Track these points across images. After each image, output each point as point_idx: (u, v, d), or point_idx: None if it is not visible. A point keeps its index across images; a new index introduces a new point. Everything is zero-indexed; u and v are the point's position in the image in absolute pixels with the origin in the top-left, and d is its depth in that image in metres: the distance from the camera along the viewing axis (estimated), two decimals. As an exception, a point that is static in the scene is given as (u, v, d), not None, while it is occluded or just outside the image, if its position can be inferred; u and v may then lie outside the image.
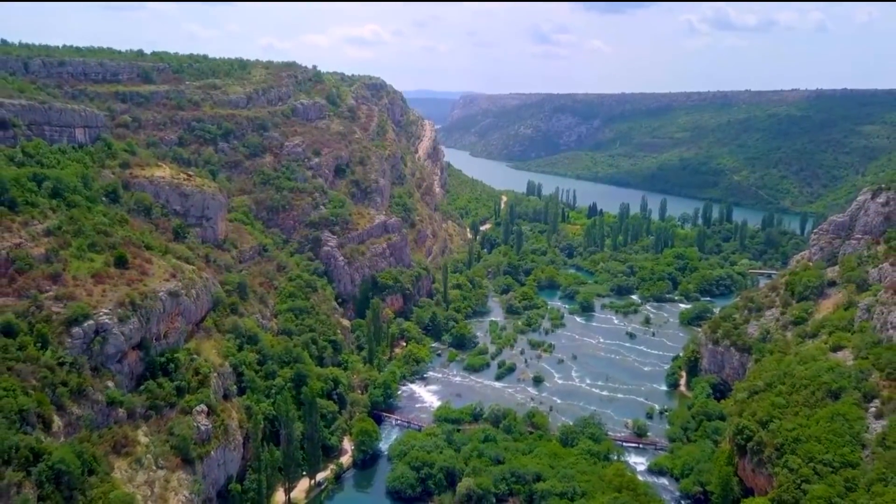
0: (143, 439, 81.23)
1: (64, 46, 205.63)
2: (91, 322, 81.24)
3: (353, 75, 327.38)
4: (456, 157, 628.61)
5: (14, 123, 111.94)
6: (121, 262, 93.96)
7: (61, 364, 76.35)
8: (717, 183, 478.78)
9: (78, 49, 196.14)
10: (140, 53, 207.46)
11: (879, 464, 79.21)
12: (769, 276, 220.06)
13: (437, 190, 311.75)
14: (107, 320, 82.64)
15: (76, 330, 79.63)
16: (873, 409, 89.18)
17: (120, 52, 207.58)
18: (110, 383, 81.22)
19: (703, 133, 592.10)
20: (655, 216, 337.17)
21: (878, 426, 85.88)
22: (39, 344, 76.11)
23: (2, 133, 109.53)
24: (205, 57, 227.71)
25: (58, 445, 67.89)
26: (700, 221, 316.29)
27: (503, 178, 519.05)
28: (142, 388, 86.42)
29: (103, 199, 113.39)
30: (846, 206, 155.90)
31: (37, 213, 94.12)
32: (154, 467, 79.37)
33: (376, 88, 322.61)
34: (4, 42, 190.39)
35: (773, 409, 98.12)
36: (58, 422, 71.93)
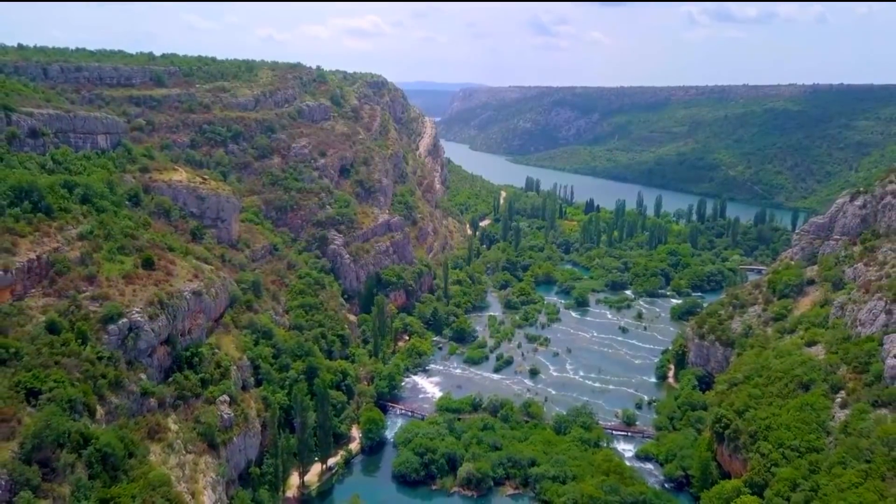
0: (173, 426, 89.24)
1: (77, 49, 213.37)
2: (125, 320, 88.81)
3: (354, 73, 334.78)
4: (456, 151, 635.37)
5: (43, 132, 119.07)
6: (148, 264, 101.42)
7: (100, 358, 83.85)
8: (713, 178, 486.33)
9: (92, 53, 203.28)
10: (151, 57, 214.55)
11: (840, 449, 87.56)
12: (759, 271, 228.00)
13: (438, 186, 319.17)
14: (139, 318, 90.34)
15: (112, 327, 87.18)
16: (839, 400, 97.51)
17: (132, 55, 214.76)
18: (143, 375, 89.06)
19: (701, 127, 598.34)
20: (651, 212, 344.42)
21: (841, 415, 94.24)
22: (80, 340, 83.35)
23: (32, 141, 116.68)
24: (213, 59, 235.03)
25: (102, 431, 75.81)
26: (694, 217, 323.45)
27: (502, 173, 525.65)
28: (170, 379, 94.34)
29: (126, 202, 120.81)
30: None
31: (70, 219, 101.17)
32: (184, 451, 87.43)
33: (378, 86, 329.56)
34: (21, 46, 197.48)
35: (750, 399, 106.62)
36: (100, 410, 79.75)
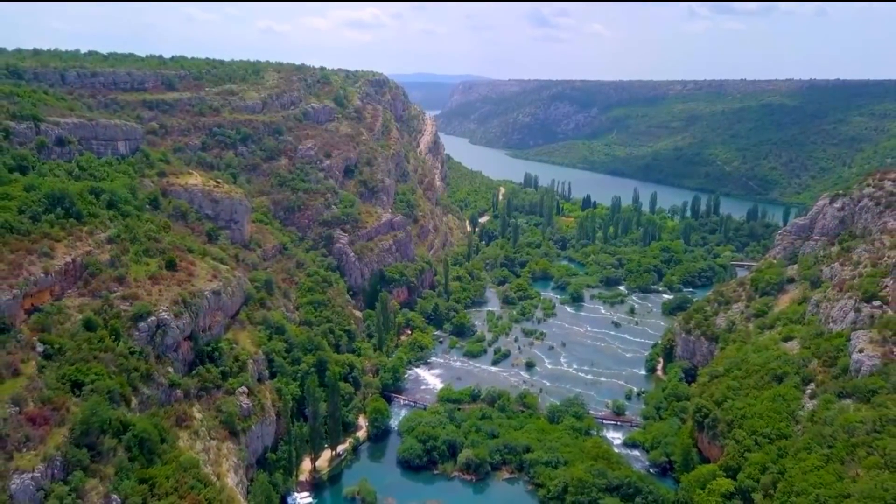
0: (198, 415, 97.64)
1: (89, 52, 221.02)
2: (153, 318, 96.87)
3: (356, 71, 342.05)
4: (455, 145, 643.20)
5: (69, 140, 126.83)
6: (171, 265, 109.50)
7: (132, 353, 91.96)
8: (708, 173, 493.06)
9: (104, 57, 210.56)
10: (161, 60, 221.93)
11: (807, 436, 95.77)
12: (749, 267, 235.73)
13: (438, 183, 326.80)
14: (165, 316, 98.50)
15: (142, 325, 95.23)
16: (809, 391, 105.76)
17: (142, 58, 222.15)
18: (170, 369, 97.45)
19: (697, 122, 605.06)
20: (647, 208, 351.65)
21: (810, 405, 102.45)
22: (113, 336, 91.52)
23: (59, 149, 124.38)
24: (221, 62, 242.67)
25: (138, 418, 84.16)
26: (688, 214, 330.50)
27: (502, 168, 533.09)
28: (193, 372, 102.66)
29: (147, 206, 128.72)
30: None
31: (98, 224, 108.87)
32: (208, 438, 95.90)
33: (379, 85, 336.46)
34: (36, 51, 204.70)
35: (728, 390, 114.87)
36: (134, 400, 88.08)
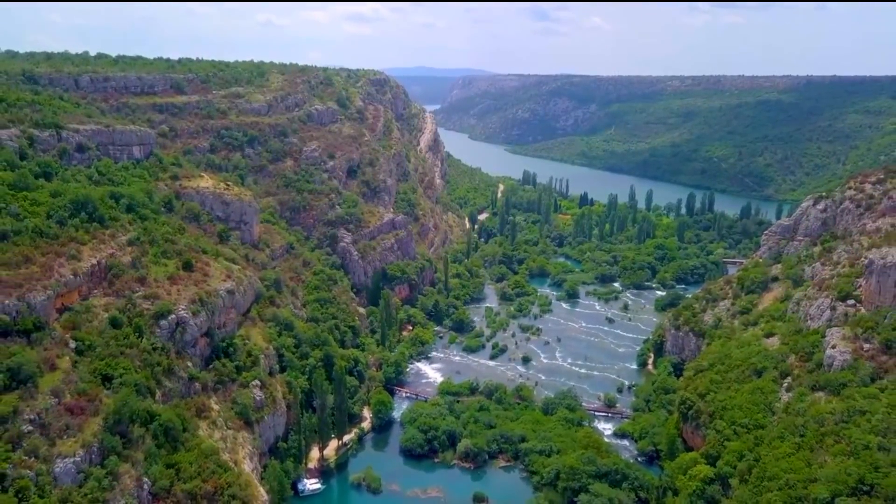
0: (215, 407, 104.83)
1: (98, 55, 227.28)
2: (173, 316, 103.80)
3: (358, 70, 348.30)
4: (455, 141, 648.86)
5: (88, 147, 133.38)
6: (187, 266, 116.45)
7: (154, 349, 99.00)
8: (705, 170, 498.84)
9: (114, 61, 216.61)
10: (170, 64, 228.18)
11: (781, 426, 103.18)
12: (740, 265, 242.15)
13: (438, 182, 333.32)
14: (184, 314, 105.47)
15: (163, 322, 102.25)
16: (785, 385, 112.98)
17: (150, 60, 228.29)
18: (189, 363, 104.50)
19: (695, 118, 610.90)
20: (643, 205, 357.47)
21: (786, 397, 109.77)
22: (137, 334, 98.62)
23: (79, 155, 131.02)
24: (226, 64, 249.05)
25: (163, 409, 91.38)
26: (683, 211, 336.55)
27: (501, 164, 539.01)
28: (210, 367, 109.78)
29: (162, 209, 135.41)
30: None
31: (119, 227, 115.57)
32: (225, 427, 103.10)
33: (380, 84, 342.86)
34: (48, 55, 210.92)
35: (711, 384, 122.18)
36: (157, 393, 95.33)
